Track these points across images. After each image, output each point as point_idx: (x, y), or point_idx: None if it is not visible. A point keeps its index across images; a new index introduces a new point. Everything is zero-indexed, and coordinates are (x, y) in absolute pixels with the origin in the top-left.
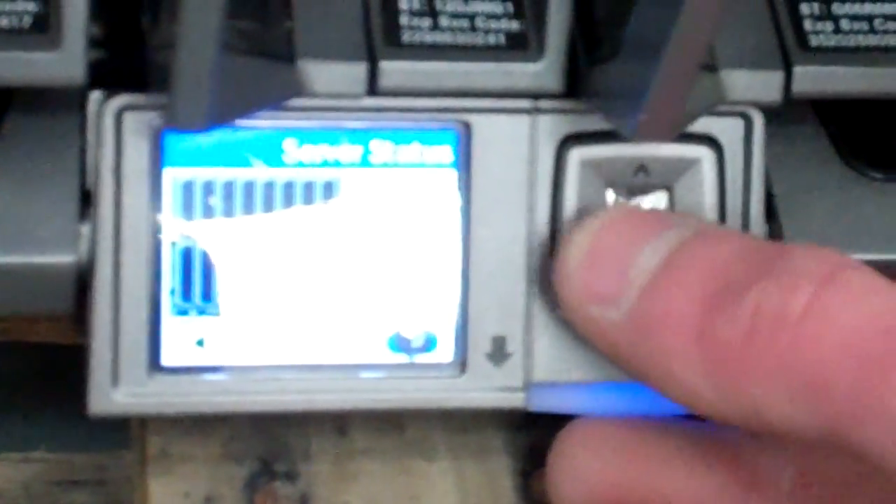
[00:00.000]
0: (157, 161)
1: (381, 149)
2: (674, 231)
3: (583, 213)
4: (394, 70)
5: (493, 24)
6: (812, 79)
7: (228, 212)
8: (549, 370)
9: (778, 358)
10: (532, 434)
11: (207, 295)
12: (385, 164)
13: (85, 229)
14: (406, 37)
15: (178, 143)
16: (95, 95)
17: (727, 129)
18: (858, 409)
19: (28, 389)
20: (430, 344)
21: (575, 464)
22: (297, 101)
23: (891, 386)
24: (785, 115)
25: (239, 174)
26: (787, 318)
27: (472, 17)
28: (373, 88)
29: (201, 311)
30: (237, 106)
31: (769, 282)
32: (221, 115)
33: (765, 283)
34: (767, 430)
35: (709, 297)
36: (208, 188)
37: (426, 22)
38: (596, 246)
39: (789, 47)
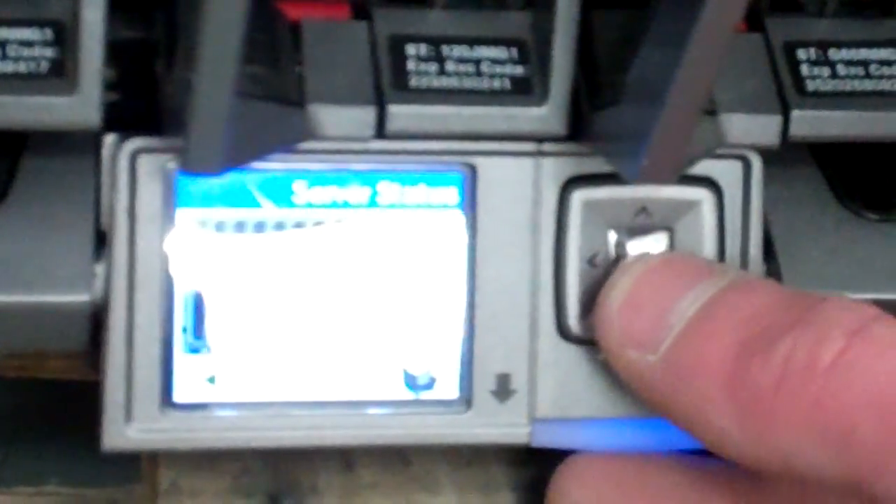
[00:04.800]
0: (171, 202)
1: (388, 190)
2: (711, 280)
3: (585, 253)
4: (401, 114)
5: (499, 69)
6: (809, 123)
7: (239, 252)
8: (553, 407)
9: (806, 407)
10: (535, 469)
11: (218, 333)
12: (392, 206)
13: (99, 269)
14: (413, 81)
15: (190, 184)
16: (110, 138)
17: (726, 172)
18: (882, 461)
19: (40, 424)
20: (435, 381)
21: (573, 499)
22: (307, 144)
23: None
24: (782, 157)
25: (250, 215)
26: (816, 368)
27: (477, 63)
28: (381, 132)
29: (212, 349)
30: (250, 150)
31: (800, 332)
32: (234, 158)
33: (796, 332)
34: (795, 476)
35: (742, 344)
36: (220, 229)
37: (433, 67)
38: (637, 291)
39: (787, 92)
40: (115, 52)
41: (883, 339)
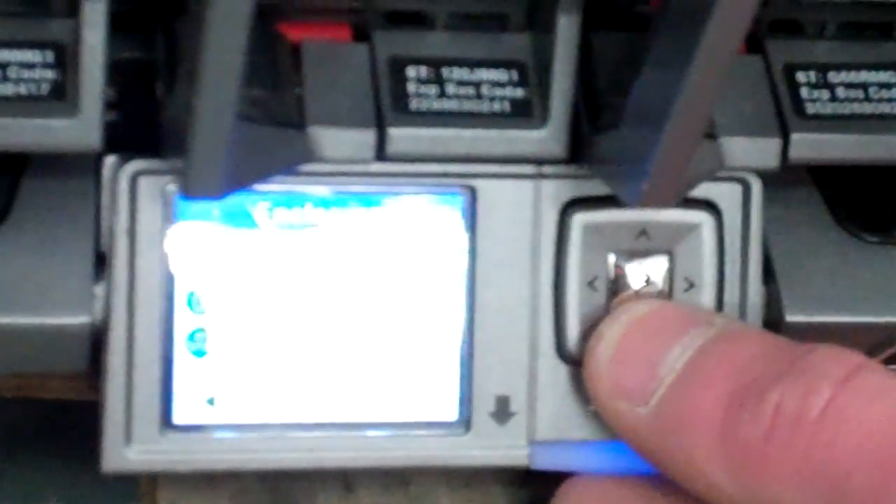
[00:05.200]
0: (170, 223)
1: (388, 213)
2: (699, 330)
3: (585, 275)
4: (401, 136)
5: (499, 92)
6: (809, 145)
7: (239, 274)
8: (552, 429)
9: (797, 458)
10: (534, 490)
11: (218, 354)
12: (392, 228)
13: (99, 290)
14: (414, 104)
15: (190, 206)
16: (111, 160)
17: (726, 195)
18: None
19: (39, 443)
20: (435, 403)
21: None
22: (307, 167)
23: None
24: (782, 179)
25: (250, 236)
26: (805, 418)
27: (477, 85)
28: (381, 154)
29: (212, 370)
30: (250, 173)
31: (789, 383)
32: (234, 182)
33: (785, 384)
34: None
35: (731, 396)
36: (219, 250)
37: (433, 90)
38: (625, 343)
39: (786, 115)
40: (116, 72)
41: (870, 387)
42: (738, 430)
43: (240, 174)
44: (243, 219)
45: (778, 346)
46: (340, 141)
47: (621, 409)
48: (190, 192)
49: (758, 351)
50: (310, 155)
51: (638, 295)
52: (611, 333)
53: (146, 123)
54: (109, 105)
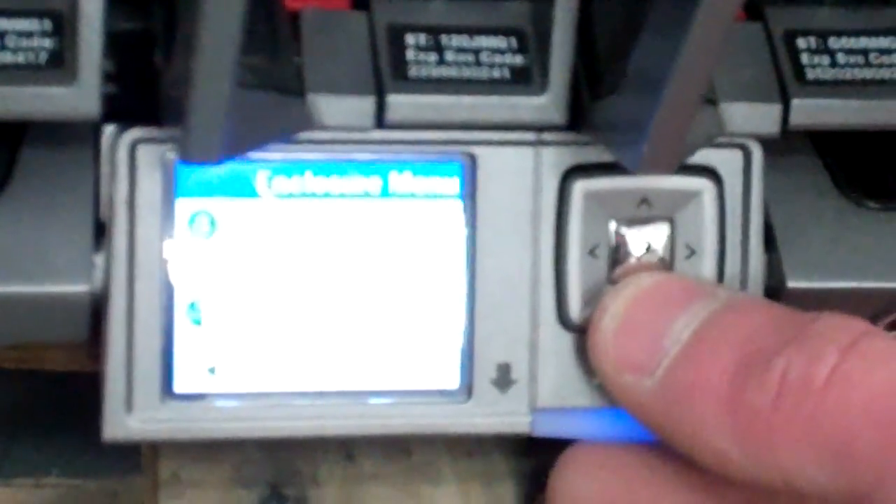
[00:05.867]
0: (170, 192)
1: (388, 180)
2: (704, 302)
3: (585, 243)
4: (401, 103)
5: (498, 59)
6: (809, 111)
7: (238, 242)
8: (553, 396)
9: (804, 424)
10: (536, 458)
11: (218, 323)
12: (393, 195)
13: (99, 259)
14: (413, 71)
15: (190, 174)
16: (109, 129)
17: (727, 161)
18: (881, 473)
19: (40, 415)
20: (436, 371)
21: (574, 487)
22: (306, 134)
23: None
24: (783, 146)
25: (249, 205)
26: (811, 385)
27: (477, 52)
28: (381, 121)
29: (213, 339)
30: (249, 139)
31: (794, 350)
32: (233, 148)
33: (790, 351)
34: (796, 492)
35: (738, 365)
36: (219, 218)
37: (432, 57)
38: (630, 316)
39: (787, 81)
40: (114, 43)
41: (875, 353)
42: (745, 398)
43: (238, 140)
44: (244, 187)
45: (783, 315)
46: (340, 108)
47: (627, 383)
48: (188, 156)
49: (763, 320)
50: (309, 122)
51: (640, 263)
52: (615, 306)
53: (145, 95)
54: (108, 77)
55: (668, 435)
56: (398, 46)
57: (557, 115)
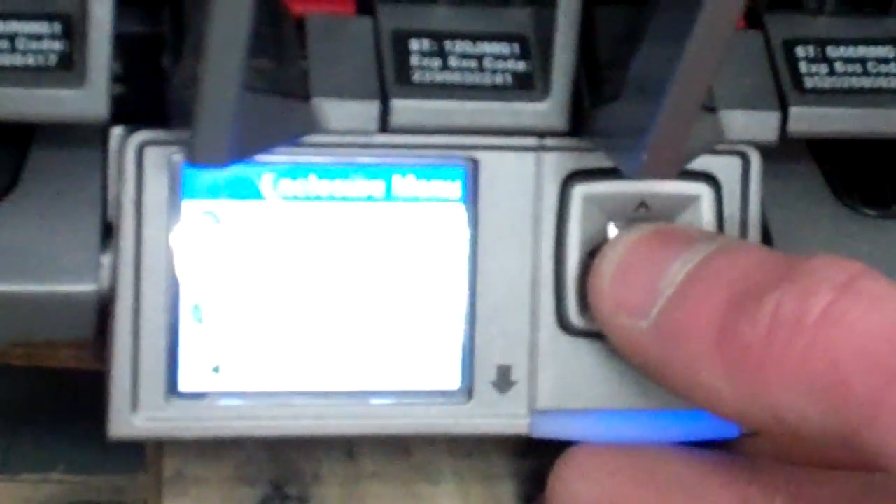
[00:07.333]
0: (177, 194)
1: (391, 184)
2: (700, 246)
3: (585, 246)
4: (405, 108)
5: (501, 65)
6: (807, 119)
7: (243, 243)
8: (553, 398)
9: (796, 361)
10: (536, 460)
11: (223, 323)
12: (396, 199)
13: (106, 259)
14: (417, 76)
15: (196, 176)
16: (117, 131)
17: (725, 167)
18: (873, 412)
19: (46, 412)
20: (437, 372)
21: (573, 489)
22: (311, 138)
23: None
24: (781, 153)
25: (254, 206)
26: (804, 321)
27: (480, 58)
28: (384, 125)
29: (217, 339)
30: (255, 142)
31: (788, 287)
32: (240, 151)
33: (783, 288)
34: (787, 431)
35: (730, 303)
36: (225, 220)
37: (436, 62)
38: (628, 260)
39: (785, 89)
40: (123, 46)
41: (871, 292)
42: (736, 335)
43: (245, 143)
44: (249, 190)
45: (777, 256)
46: (344, 112)
47: (623, 325)
48: (195, 159)
49: (757, 261)
50: (314, 126)
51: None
52: (614, 252)
53: (153, 98)
54: (116, 79)
55: (662, 376)
56: (402, 52)
57: (559, 121)
